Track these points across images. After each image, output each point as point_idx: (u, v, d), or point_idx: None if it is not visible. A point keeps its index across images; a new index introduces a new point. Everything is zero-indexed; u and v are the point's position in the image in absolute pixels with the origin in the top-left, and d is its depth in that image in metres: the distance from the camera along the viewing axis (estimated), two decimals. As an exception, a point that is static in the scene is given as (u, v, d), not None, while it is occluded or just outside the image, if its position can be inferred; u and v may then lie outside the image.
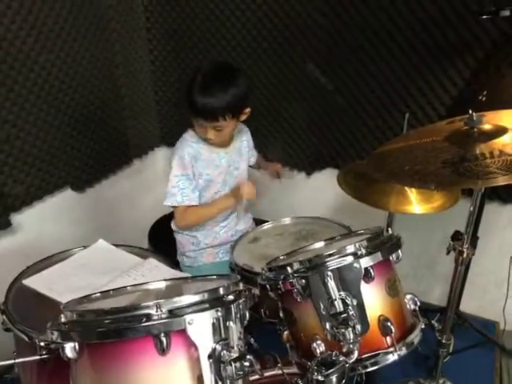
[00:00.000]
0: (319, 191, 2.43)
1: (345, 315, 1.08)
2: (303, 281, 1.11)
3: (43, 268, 1.50)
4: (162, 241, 2.14)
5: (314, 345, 1.09)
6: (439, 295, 2.33)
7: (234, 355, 0.88)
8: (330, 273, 1.10)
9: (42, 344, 1.15)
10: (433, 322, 1.54)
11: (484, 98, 1.76)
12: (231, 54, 2.35)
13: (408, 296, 1.20)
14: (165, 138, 2.71)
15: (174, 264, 1.66)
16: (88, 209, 2.33)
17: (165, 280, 1.15)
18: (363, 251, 1.12)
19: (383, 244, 1.18)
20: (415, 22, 1.92)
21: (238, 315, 0.93)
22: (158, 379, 0.87)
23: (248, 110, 1.65)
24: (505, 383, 2.01)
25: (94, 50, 2.14)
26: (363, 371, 1.11)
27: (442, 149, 1.28)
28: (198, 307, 0.88)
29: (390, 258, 1.19)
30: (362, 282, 1.11)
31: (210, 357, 0.88)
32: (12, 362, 1.14)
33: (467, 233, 1.46)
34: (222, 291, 0.94)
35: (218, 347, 0.88)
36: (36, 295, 1.38)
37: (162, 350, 0.85)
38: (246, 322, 0.96)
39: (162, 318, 0.85)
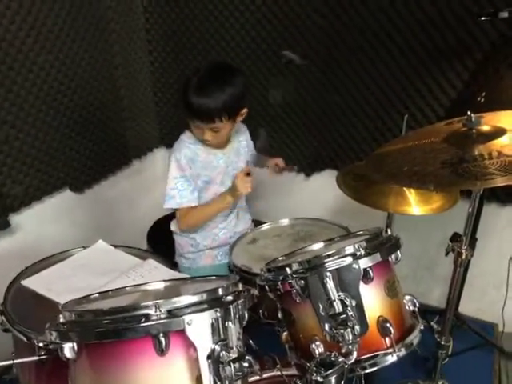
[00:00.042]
0: (318, 192, 2.43)
1: (344, 316, 1.07)
2: (302, 281, 1.11)
3: (42, 268, 1.50)
4: (160, 242, 2.14)
5: (313, 346, 1.09)
6: (438, 297, 2.33)
7: (233, 356, 0.88)
8: (328, 273, 1.09)
9: (41, 344, 1.15)
10: (432, 323, 1.53)
11: (483, 100, 1.76)
12: (230, 55, 2.35)
13: (407, 297, 1.20)
14: (164, 138, 2.71)
15: (173, 265, 1.66)
16: (87, 210, 2.32)
17: (164, 281, 1.15)
18: (362, 252, 1.12)
19: (382, 245, 1.18)
20: (414, 23, 1.93)
21: (237, 316, 0.92)
22: (157, 379, 0.87)
23: (245, 110, 1.63)
24: (503, 385, 2.02)
25: (93, 50, 2.14)
26: (362, 372, 1.10)
27: (441, 150, 1.28)
28: (196, 308, 0.88)
29: (389, 258, 1.18)
30: (361, 283, 1.11)
31: (208, 357, 0.87)
32: (11, 362, 1.14)
33: (466, 234, 1.46)
34: (220, 292, 0.94)
35: (217, 348, 0.88)
36: (35, 296, 1.38)
37: (161, 351, 0.85)
38: (244, 323, 0.96)
39: (160, 319, 0.85)
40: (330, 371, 1.02)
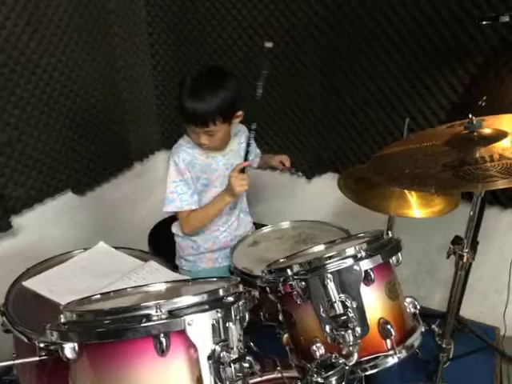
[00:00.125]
0: (319, 195, 2.43)
1: (344, 318, 1.07)
2: (303, 283, 1.11)
3: (43, 270, 1.50)
4: (162, 244, 2.14)
5: (314, 347, 1.09)
6: (439, 300, 2.33)
7: (234, 356, 0.88)
8: (329, 275, 1.09)
9: (42, 345, 1.15)
10: (433, 326, 1.53)
11: (484, 104, 1.77)
12: (233, 60, 2.36)
13: (408, 299, 1.20)
14: (166, 141, 2.71)
15: (174, 267, 1.66)
16: (89, 212, 2.33)
17: (165, 282, 1.15)
18: (363, 254, 1.12)
19: (383, 247, 1.18)
20: (416, 27, 1.93)
21: (238, 317, 0.93)
22: (158, 380, 0.87)
23: (240, 113, 1.63)
24: (505, 389, 2.01)
25: (95, 53, 2.15)
26: (363, 374, 1.10)
27: (442, 152, 1.29)
28: (197, 308, 0.88)
29: (390, 260, 1.19)
30: (362, 285, 1.11)
31: (209, 358, 0.88)
32: (11, 362, 1.14)
33: (467, 237, 1.46)
34: (221, 292, 0.94)
35: (218, 348, 0.88)
36: (36, 297, 1.38)
37: (162, 351, 0.85)
38: (245, 324, 0.96)
39: (161, 319, 0.85)
40: (331, 373, 1.02)
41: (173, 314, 0.86)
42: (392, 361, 1.10)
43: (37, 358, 1.12)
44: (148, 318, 0.85)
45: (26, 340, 1.20)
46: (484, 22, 1.69)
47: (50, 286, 1.41)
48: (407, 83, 2.05)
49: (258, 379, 1.23)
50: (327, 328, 1.10)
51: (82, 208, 2.29)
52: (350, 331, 1.06)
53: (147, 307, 0.86)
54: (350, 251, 1.13)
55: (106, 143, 2.32)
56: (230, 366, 0.86)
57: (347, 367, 1.03)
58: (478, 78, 1.91)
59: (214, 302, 0.91)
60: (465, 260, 1.47)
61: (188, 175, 1.67)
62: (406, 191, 1.69)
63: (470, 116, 1.28)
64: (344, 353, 1.06)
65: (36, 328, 1.19)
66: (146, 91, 2.56)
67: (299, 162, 2.41)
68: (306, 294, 1.11)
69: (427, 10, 1.89)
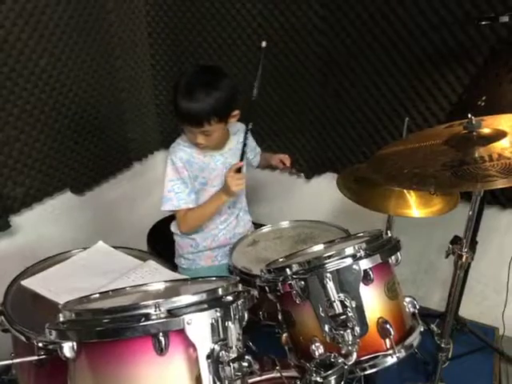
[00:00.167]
0: (319, 195, 2.43)
1: (344, 317, 1.07)
2: (302, 282, 1.11)
3: (42, 269, 1.50)
4: (160, 243, 2.14)
5: (313, 347, 1.09)
6: (438, 300, 2.33)
7: (233, 356, 0.88)
8: (328, 274, 1.10)
9: (40, 345, 1.15)
10: (432, 326, 1.53)
11: (483, 104, 1.77)
12: (232, 59, 2.36)
13: (407, 299, 1.20)
14: (165, 141, 2.71)
15: (173, 267, 1.66)
16: (87, 211, 2.33)
17: (164, 281, 1.15)
18: (362, 253, 1.12)
19: (382, 246, 1.18)
20: (415, 27, 1.94)
21: (237, 316, 0.92)
22: (156, 379, 0.87)
23: (236, 112, 1.63)
24: (504, 389, 2.01)
25: (94, 53, 2.15)
26: (362, 373, 1.10)
27: (442, 152, 1.29)
28: (196, 307, 0.88)
29: (389, 260, 1.19)
30: (361, 284, 1.11)
31: (208, 357, 0.87)
32: (10, 362, 1.14)
33: (466, 237, 1.46)
34: (220, 292, 0.94)
35: (217, 347, 0.88)
36: (34, 296, 1.38)
37: (161, 350, 0.85)
38: (244, 323, 0.96)
39: (160, 318, 0.85)
40: (330, 372, 1.02)
41: (172, 313, 0.86)
42: (391, 360, 1.10)
43: (35, 357, 1.12)
44: (147, 317, 0.85)
45: (24, 339, 1.20)
46: (483, 23, 1.69)
47: (48, 285, 1.41)
48: (406, 83, 2.06)
49: (257, 378, 1.23)
50: (326, 327, 1.10)
51: (81, 207, 2.29)
52: (349, 331, 1.06)
53: (146, 306, 0.86)
54: (349, 251, 1.13)
55: (105, 143, 2.32)
56: (229, 366, 0.86)
57: (346, 367, 1.04)
58: (478, 78, 1.91)
59: (213, 302, 0.90)
60: (464, 260, 1.47)
61: (185, 174, 1.66)
62: (405, 191, 1.69)
63: (470, 116, 1.28)
64: (343, 352, 1.07)
65: (35, 327, 1.19)
66: (146, 91, 2.56)
67: (298, 162, 2.42)
68: (305, 293, 1.12)
69: (426, 11, 1.89)
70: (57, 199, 2.15)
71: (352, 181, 1.80)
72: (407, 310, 1.19)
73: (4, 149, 1.85)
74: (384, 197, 1.69)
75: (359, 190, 1.74)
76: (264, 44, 1.64)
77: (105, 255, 1.60)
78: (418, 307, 1.20)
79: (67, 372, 0.94)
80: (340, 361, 1.03)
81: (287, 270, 1.16)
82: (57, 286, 1.40)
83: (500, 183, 1.12)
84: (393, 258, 1.19)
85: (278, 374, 1.21)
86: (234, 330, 0.90)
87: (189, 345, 0.87)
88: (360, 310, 1.10)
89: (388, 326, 1.10)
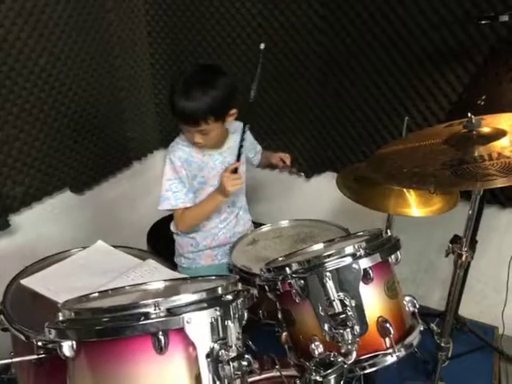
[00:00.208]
0: (318, 194, 2.43)
1: (343, 316, 1.07)
2: (302, 281, 1.11)
3: (41, 268, 1.50)
4: (160, 242, 2.14)
5: (313, 346, 1.09)
6: (438, 299, 2.33)
7: (232, 355, 0.88)
8: (328, 273, 1.10)
9: (40, 344, 1.15)
10: (432, 325, 1.53)
11: (483, 103, 1.76)
12: (231, 58, 2.36)
13: (407, 298, 1.20)
14: (164, 140, 2.71)
15: (173, 266, 1.66)
16: (87, 210, 2.33)
17: (163, 280, 1.15)
18: (362, 252, 1.12)
19: (382, 245, 1.18)
20: (415, 26, 1.93)
21: (237, 315, 0.92)
22: (156, 378, 0.87)
23: (234, 111, 1.62)
24: (503, 388, 2.01)
25: (94, 52, 2.15)
26: (361, 372, 1.10)
27: (441, 151, 1.28)
28: (196, 306, 0.88)
29: (389, 259, 1.19)
30: (361, 283, 1.11)
31: (208, 356, 0.87)
32: (9, 361, 1.13)
33: (466, 236, 1.46)
34: (220, 291, 0.94)
35: (216, 346, 0.88)
36: (34, 295, 1.38)
37: (160, 349, 0.85)
38: (244, 322, 0.96)
39: (160, 317, 0.85)
40: (329, 371, 1.02)
41: (171, 312, 0.86)
42: (391, 359, 1.10)
43: (35, 357, 1.12)
44: (146, 316, 0.85)
45: (23, 338, 1.20)
46: (483, 22, 1.69)
47: (48, 284, 1.41)
48: (406, 83, 2.05)
49: (257, 377, 1.23)
50: (326, 326, 1.10)
51: (81, 207, 2.29)
52: (348, 330, 1.06)
53: (146, 305, 0.85)
54: (349, 250, 1.13)
55: (105, 142, 2.32)
56: (229, 364, 0.86)
57: (346, 366, 1.04)
58: (477, 77, 1.91)
59: (212, 300, 0.90)
60: (463, 259, 1.47)
61: (183, 173, 1.66)
62: (404, 190, 1.69)
63: (469, 115, 1.28)
64: (343, 351, 1.07)
65: (34, 326, 1.19)
66: (145, 90, 2.56)
67: (298, 161, 2.41)
68: (305, 292, 1.12)
69: (426, 10, 1.89)
70: (56, 198, 2.15)
71: (352, 180, 1.80)
72: (407, 309, 1.19)
73: (3, 148, 1.85)
74: (384, 196, 1.68)
75: (359, 189, 1.74)
76: (263, 46, 1.64)
77: (104, 254, 1.60)
78: (417, 306, 1.20)
79: (67, 371, 0.94)
80: (340, 360, 1.04)
81: (287, 268, 1.16)
82: (56, 285, 1.40)
83: (500, 182, 1.12)
84: (392, 257, 1.19)
85: (278, 373, 1.21)
86: (233, 329, 0.90)
87: (188, 344, 0.87)
88: (360, 309, 1.10)
89: (388, 325, 1.10)
